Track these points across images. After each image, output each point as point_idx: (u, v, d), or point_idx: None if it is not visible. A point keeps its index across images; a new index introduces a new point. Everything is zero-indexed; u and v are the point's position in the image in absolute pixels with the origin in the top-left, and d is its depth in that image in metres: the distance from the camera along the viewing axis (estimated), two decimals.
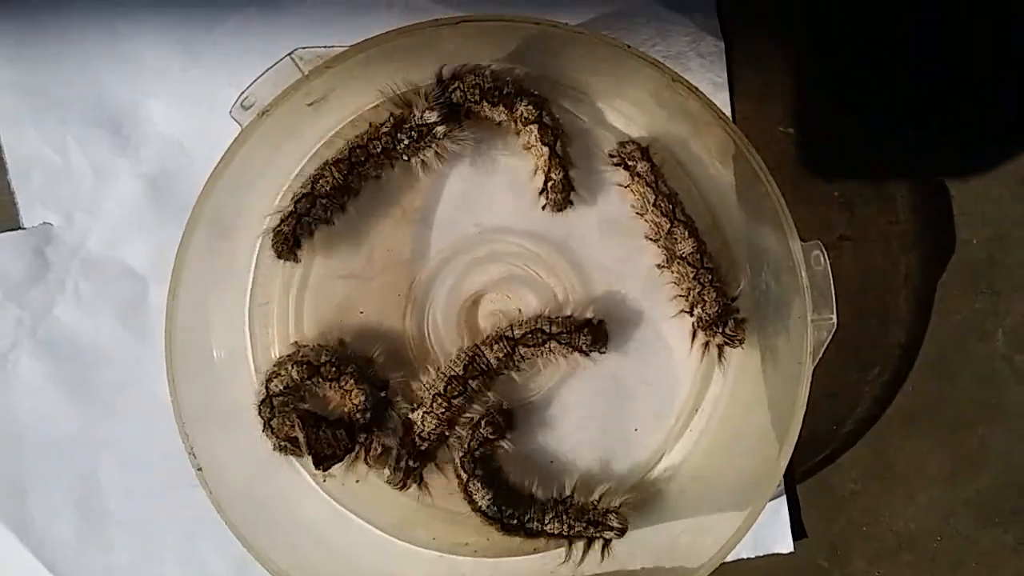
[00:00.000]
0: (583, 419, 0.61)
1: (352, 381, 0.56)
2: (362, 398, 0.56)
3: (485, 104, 0.56)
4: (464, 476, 0.57)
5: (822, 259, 0.52)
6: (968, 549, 0.66)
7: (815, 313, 0.52)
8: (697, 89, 0.52)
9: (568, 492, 0.59)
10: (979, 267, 0.65)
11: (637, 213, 0.59)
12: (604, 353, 0.58)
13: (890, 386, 0.65)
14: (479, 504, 0.57)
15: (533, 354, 0.57)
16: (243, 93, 0.51)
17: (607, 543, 0.59)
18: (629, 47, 0.50)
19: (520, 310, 0.60)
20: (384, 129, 0.55)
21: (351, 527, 0.59)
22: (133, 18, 0.61)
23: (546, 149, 0.56)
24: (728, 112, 0.63)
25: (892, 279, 0.65)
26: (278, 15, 0.61)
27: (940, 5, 0.64)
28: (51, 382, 0.62)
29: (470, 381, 0.57)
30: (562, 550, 0.60)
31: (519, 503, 0.58)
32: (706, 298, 0.58)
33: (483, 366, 0.57)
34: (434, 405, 0.57)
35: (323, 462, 0.55)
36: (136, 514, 0.63)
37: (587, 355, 0.58)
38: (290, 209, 0.56)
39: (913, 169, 0.65)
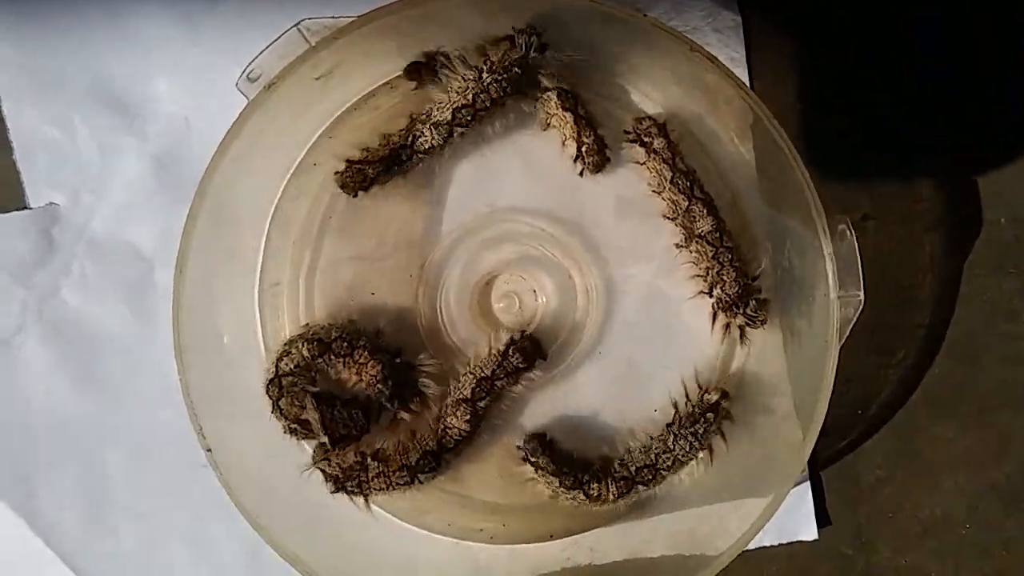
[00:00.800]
0: (600, 405, 0.60)
1: (366, 353, 0.55)
2: (378, 367, 0.55)
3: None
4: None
5: (848, 233, 0.51)
6: (995, 536, 0.65)
7: (841, 290, 0.51)
8: (716, 59, 0.50)
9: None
10: (1006, 247, 0.64)
11: (654, 191, 0.58)
12: (545, 360, 0.58)
13: (915, 370, 0.64)
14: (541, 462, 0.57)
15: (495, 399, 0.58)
16: (250, 65, 0.50)
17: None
18: (646, 15, 0.49)
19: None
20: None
21: (364, 512, 0.57)
22: None
23: (569, 115, 0.55)
24: (747, 87, 0.61)
25: (916, 260, 0.64)
26: None
27: None
28: (57, 365, 0.62)
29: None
30: (579, 535, 0.60)
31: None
32: (726, 278, 0.57)
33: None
34: (458, 411, 0.57)
35: (339, 443, 0.54)
36: (143, 498, 0.62)
37: (529, 370, 0.57)
38: (382, 154, 0.56)
39: (936, 147, 0.63)
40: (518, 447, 0.58)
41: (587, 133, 0.56)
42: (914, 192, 0.63)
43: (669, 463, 0.58)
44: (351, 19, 0.48)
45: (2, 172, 0.61)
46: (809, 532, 0.64)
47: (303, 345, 0.54)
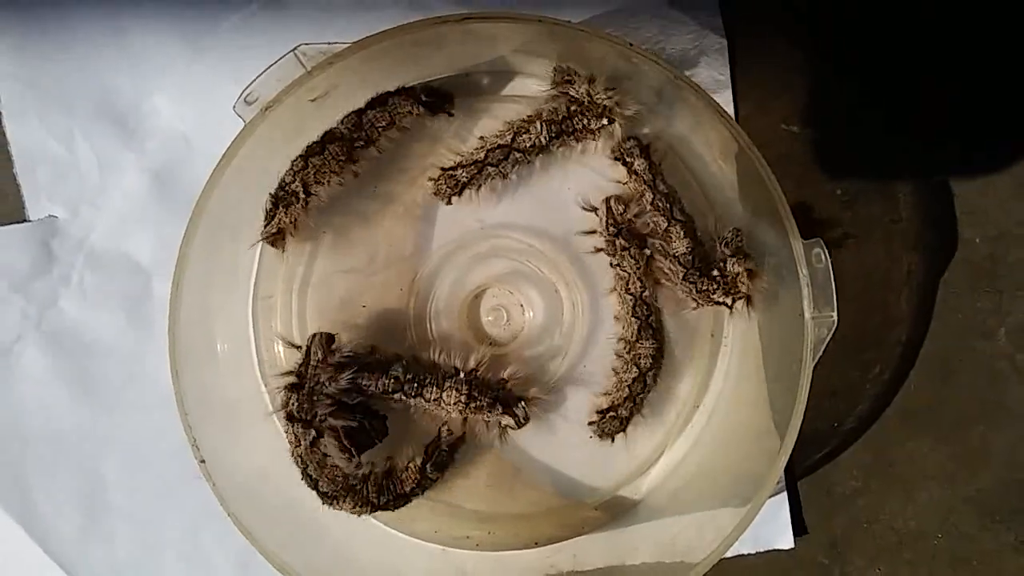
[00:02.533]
0: (585, 416, 0.61)
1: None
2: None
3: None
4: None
5: (823, 256, 0.52)
6: (968, 547, 0.66)
7: (816, 310, 0.52)
8: (700, 87, 0.52)
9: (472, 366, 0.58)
10: (981, 266, 0.65)
11: (634, 215, 0.59)
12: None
13: (891, 384, 0.65)
14: (376, 385, 0.57)
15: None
16: (246, 89, 0.51)
17: (502, 429, 0.58)
18: (632, 45, 0.50)
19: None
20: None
21: (354, 520, 0.58)
22: (139, 14, 0.61)
23: (629, 393, 0.59)
24: (731, 109, 0.63)
25: (894, 277, 0.65)
26: (282, 11, 0.61)
27: (943, 5, 0.64)
28: (55, 374, 0.62)
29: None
30: (563, 543, 0.61)
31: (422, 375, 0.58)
32: (694, 297, 0.59)
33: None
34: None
35: (363, 450, 0.55)
36: (139, 506, 0.63)
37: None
38: (477, 158, 0.57)
39: (915, 167, 0.65)
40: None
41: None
42: (893, 212, 0.65)
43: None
44: (346, 45, 0.50)
45: (2, 185, 0.62)
46: (786, 541, 0.65)
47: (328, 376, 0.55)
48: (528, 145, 0.57)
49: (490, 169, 0.58)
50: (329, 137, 0.55)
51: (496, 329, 0.62)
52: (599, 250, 0.59)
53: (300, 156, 0.55)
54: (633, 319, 0.58)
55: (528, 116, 0.58)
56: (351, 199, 0.59)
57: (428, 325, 0.61)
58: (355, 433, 0.55)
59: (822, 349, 0.53)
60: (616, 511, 0.62)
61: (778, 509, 0.65)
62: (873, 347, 0.65)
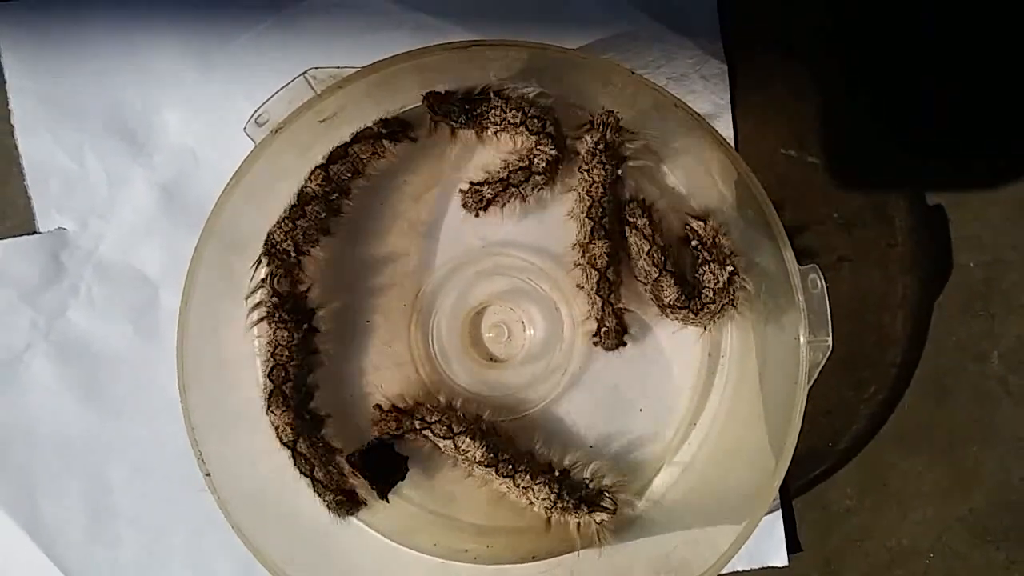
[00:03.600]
0: (582, 431, 0.62)
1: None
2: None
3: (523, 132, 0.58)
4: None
5: (819, 282, 0.53)
6: (960, 566, 0.67)
7: (811, 335, 0.53)
8: (699, 115, 0.53)
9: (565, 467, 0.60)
10: (975, 290, 0.66)
11: (632, 257, 0.60)
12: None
13: (886, 405, 0.66)
14: (473, 452, 0.58)
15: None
16: (257, 111, 0.52)
17: (600, 525, 0.59)
18: (633, 73, 0.51)
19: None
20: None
21: (355, 532, 0.60)
22: (150, 31, 0.62)
23: (600, 299, 0.60)
24: (731, 132, 0.64)
25: (890, 300, 0.66)
26: (291, 31, 0.62)
27: (941, 30, 0.65)
28: (63, 383, 0.63)
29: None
30: (561, 557, 0.61)
31: (517, 458, 0.60)
32: (692, 322, 0.60)
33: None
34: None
35: (391, 487, 0.58)
36: (144, 513, 0.64)
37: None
38: (501, 175, 0.58)
39: (912, 193, 0.66)
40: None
41: (611, 319, 0.60)
42: (889, 236, 0.66)
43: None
44: (355, 69, 0.51)
45: (14, 198, 0.63)
46: (780, 558, 0.66)
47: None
48: (543, 166, 0.58)
49: (512, 189, 0.59)
50: (305, 199, 0.56)
51: (497, 345, 0.63)
52: (575, 153, 0.60)
53: (286, 217, 0.56)
54: (587, 219, 0.59)
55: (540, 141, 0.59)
56: (356, 215, 0.60)
57: (430, 341, 0.62)
58: (378, 472, 0.57)
59: (817, 372, 0.54)
60: (614, 527, 0.62)
61: (773, 526, 0.65)
62: (869, 368, 0.66)
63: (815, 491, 0.66)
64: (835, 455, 0.66)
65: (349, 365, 0.61)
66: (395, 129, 0.57)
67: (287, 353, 0.56)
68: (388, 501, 0.59)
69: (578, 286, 0.61)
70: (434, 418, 0.58)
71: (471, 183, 0.59)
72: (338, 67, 0.51)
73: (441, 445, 0.59)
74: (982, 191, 0.66)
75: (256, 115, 0.52)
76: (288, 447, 0.56)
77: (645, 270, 0.59)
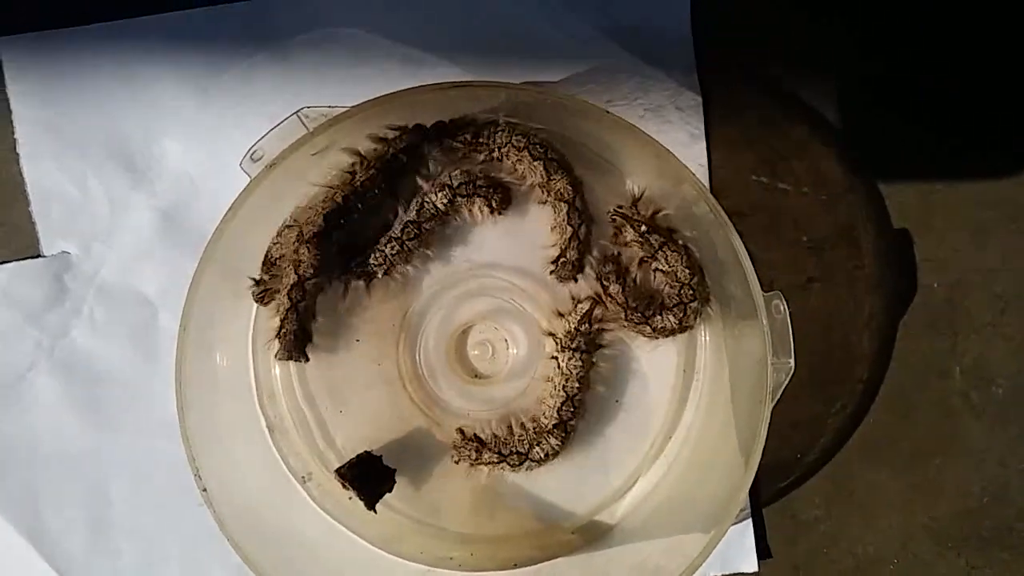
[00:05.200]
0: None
1: None
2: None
3: (525, 157, 0.60)
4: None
5: (782, 308, 0.55)
6: (924, 572, 0.69)
7: (775, 357, 0.55)
8: (671, 152, 0.55)
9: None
10: (939, 309, 0.68)
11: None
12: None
13: (852, 418, 0.68)
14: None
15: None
16: (252, 148, 0.54)
17: None
18: (608, 112, 0.54)
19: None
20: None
21: (344, 541, 0.62)
22: (150, 62, 0.64)
23: (570, 230, 0.61)
24: (705, 160, 0.66)
25: (856, 319, 0.68)
26: (283, 63, 0.64)
27: (908, 67, 0.67)
28: (66, 400, 0.65)
29: None
30: (543, 564, 0.64)
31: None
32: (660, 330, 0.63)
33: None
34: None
35: (374, 500, 0.60)
36: (142, 526, 0.65)
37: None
38: (286, 304, 0.59)
39: (878, 218, 0.68)
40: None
41: (573, 252, 0.62)
42: (856, 258, 0.68)
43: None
44: (345, 108, 0.53)
45: (19, 223, 0.65)
46: (750, 564, 0.67)
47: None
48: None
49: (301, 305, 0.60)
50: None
51: (482, 363, 0.66)
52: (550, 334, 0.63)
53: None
54: (556, 415, 0.62)
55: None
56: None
57: (418, 359, 0.64)
58: (369, 487, 0.59)
59: (781, 391, 0.56)
60: (592, 535, 0.65)
61: (743, 534, 0.67)
62: (836, 383, 0.68)
63: (784, 500, 0.68)
64: (804, 466, 0.68)
65: (341, 382, 0.64)
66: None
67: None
68: (376, 511, 0.61)
69: (554, 228, 0.62)
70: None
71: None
72: (329, 106, 0.53)
73: None
74: (945, 216, 0.68)
75: (251, 152, 0.54)
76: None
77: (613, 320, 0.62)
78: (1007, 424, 0.69)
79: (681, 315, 0.62)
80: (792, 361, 0.55)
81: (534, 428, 0.63)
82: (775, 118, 0.67)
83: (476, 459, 0.62)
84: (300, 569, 0.60)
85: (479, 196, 0.61)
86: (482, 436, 0.63)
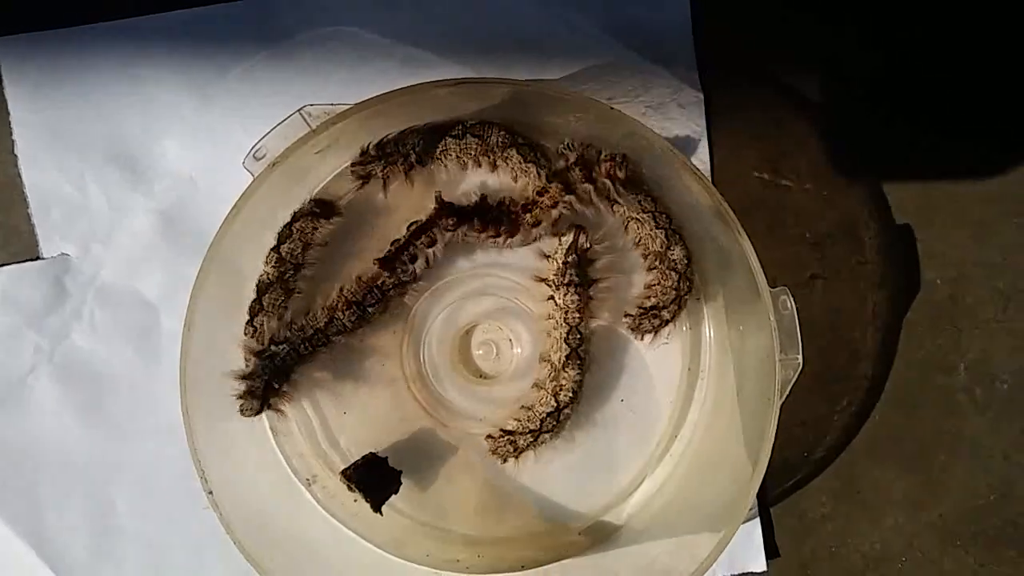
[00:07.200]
0: (568, 440, 0.64)
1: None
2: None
3: (648, 223, 0.60)
4: None
5: (789, 304, 0.55)
6: (931, 570, 0.69)
7: (783, 353, 0.55)
8: (676, 150, 0.55)
9: None
10: (942, 305, 0.68)
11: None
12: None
13: (858, 416, 0.68)
14: None
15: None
16: (255, 146, 0.54)
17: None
18: (613, 108, 0.54)
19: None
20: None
21: (350, 545, 0.62)
22: (150, 63, 0.64)
23: (674, 294, 0.61)
24: (707, 157, 0.66)
25: (860, 316, 0.68)
26: (284, 64, 0.64)
27: (909, 62, 0.68)
28: (67, 404, 0.64)
29: None
30: (546, 567, 0.63)
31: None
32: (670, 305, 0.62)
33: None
34: None
35: (380, 502, 0.60)
36: (146, 530, 0.65)
37: None
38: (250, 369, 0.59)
39: (880, 213, 0.68)
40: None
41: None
42: (859, 254, 0.68)
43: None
44: (348, 106, 0.53)
45: (18, 225, 0.64)
46: (758, 564, 0.67)
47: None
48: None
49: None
50: (262, 287, 0.59)
51: (486, 362, 0.65)
52: (542, 280, 0.62)
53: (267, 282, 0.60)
54: (565, 345, 0.61)
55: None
56: (349, 239, 0.62)
57: (422, 359, 0.64)
58: (375, 490, 0.59)
59: (789, 388, 0.55)
60: (599, 535, 0.65)
61: (751, 533, 0.67)
62: (841, 381, 0.68)
63: (791, 499, 0.68)
64: (810, 465, 0.68)
65: (344, 383, 0.64)
66: (325, 209, 0.60)
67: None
68: (382, 514, 0.60)
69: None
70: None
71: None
72: (332, 104, 0.53)
73: None
74: (946, 212, 0.68)
75: (254, 150, 0.54)
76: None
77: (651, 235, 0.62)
78: (1012, 420, 0.69)
79: (666, 297, 0.62)
80: (800, 357, 0.55)
81: (550, 377, 0.62)
82: (776, 114, 0.67)
83: (515, 450, 0.62)
84: (306, 572, 0.60)
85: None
86: (507, 428, 0.62)
